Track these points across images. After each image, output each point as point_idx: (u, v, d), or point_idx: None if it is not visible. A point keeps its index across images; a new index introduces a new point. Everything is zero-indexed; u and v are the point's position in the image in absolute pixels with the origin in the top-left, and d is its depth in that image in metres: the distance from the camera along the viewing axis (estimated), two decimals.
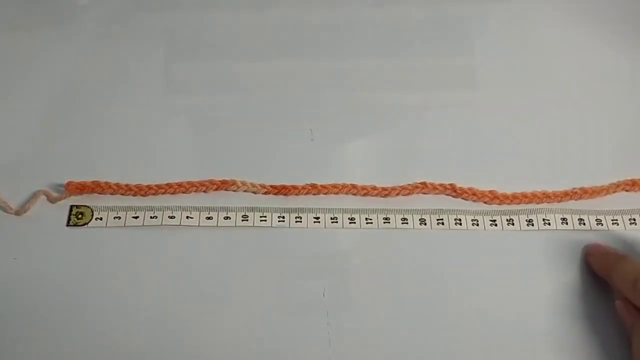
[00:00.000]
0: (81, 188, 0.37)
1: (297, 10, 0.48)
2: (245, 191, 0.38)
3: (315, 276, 0.35)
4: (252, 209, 0.37)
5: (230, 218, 0.37)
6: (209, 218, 0.37)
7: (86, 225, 0.36)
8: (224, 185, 0.38)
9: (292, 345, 0.33)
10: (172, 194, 0.38)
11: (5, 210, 0.37)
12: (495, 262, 0.36)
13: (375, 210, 0.37)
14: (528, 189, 0.39)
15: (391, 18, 0.48)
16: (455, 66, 0.46)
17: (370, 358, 0.33)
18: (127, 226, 0.36)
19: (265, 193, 0.38)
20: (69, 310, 0.34)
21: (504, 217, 0.37)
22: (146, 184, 0.38)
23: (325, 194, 0.38)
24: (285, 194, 0.38)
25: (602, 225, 0.37)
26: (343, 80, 0.44)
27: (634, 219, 0.38)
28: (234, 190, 0.38)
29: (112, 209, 0.37)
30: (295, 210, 0.37)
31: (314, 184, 0.38)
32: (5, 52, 0.45)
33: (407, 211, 0.38)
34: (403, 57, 0.46)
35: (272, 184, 0.38)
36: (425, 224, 0.37)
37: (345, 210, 0.37)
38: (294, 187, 0.38)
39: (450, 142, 0.41)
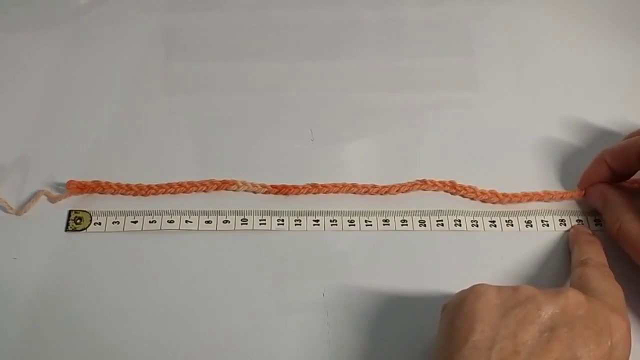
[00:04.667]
0: (82, 187, 0.37)
1: (297, 10, 0.48)
2: (245, 191, 0.38)
3: (315, 277, 0.35)
4: (252, 213, 0.37)
5: (229, 222, 0.37)
6: (208, 222, 0.37)
7: (85, 230, 0.36)
8: (224, 185, 0.38)
9: (292, 345, 0.33)
10: (172, 193, 0.38)
11: (5, 210, 0.37)
12: (495, 263, 0.36)
13: (374, 213, 0.37)
14: (528, 189, 0.39)
15: (391, 18, 0.48)
16: (455, 66, 0.46)
17: (370, 358, 0.33)
18: (126, 231, 0.36)
19: (265, 193, 0.38)
20: (68, 313, 0.34)
21: (504, 219, 0.38)
22: (147, 183, 0.38)
23: (325, 193, 0.38)
24: (285, 194, 0.38)
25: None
26: (343, 80, 0.44)
27: None
28: (234, 190, 0.38)
29: (110, 213, 0.37)
30: (294, 213, 0.37)
31: (315, 184, 0.38)
32: (5, 52, 0.45)
33: (406, 213, 0.38)
34: (403, 57, 0.46)
35: (273, 184, 0.38)
36: (425, 226, 0.37)
37: (344, 213, 0.37)
38: (295, 187, 0.38)
39: (450, 143, 0.41)
